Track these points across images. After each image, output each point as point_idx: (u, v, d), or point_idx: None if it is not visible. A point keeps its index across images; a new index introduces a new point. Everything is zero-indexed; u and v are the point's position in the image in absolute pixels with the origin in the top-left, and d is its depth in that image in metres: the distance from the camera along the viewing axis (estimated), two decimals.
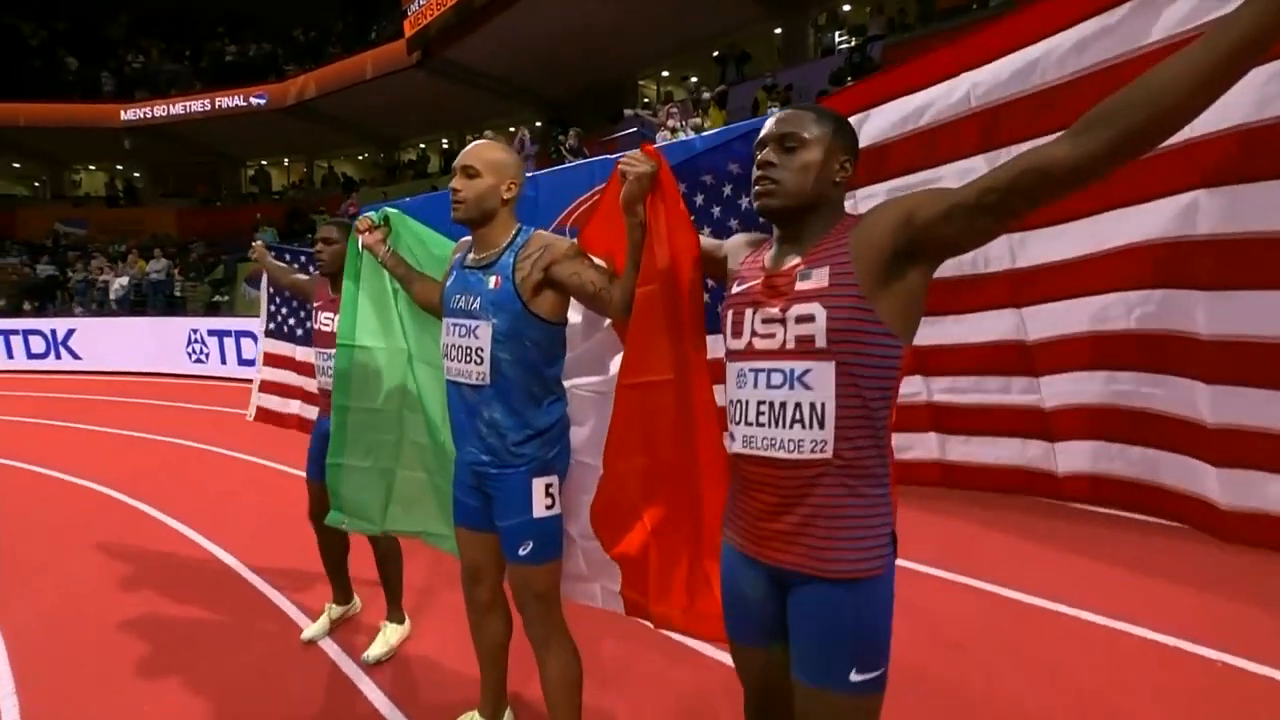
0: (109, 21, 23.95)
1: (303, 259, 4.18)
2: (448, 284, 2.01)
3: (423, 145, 22.03)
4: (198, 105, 19.45)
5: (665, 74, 17.43)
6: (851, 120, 1.51)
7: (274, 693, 2.59)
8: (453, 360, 1.95)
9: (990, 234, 1.12)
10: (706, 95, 11.65)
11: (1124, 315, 1.24)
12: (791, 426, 1.24)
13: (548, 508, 1.91)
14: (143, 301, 16.03)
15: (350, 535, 2.97)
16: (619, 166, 1.54)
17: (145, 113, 19.84)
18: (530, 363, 1.89)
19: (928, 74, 1.42)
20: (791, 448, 1.25)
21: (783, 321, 1.26)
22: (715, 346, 1.65)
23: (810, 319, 1.23)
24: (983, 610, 2.91)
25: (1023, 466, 1.45)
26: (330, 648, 2.89)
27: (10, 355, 13.23)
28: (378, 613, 3.09)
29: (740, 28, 14.55)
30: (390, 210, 2.41)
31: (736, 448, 1.31)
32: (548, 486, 1.92)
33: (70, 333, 13.10)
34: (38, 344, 13.18)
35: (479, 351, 1.89)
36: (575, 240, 1.88)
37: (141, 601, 3.39)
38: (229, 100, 19.06)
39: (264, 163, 24.78)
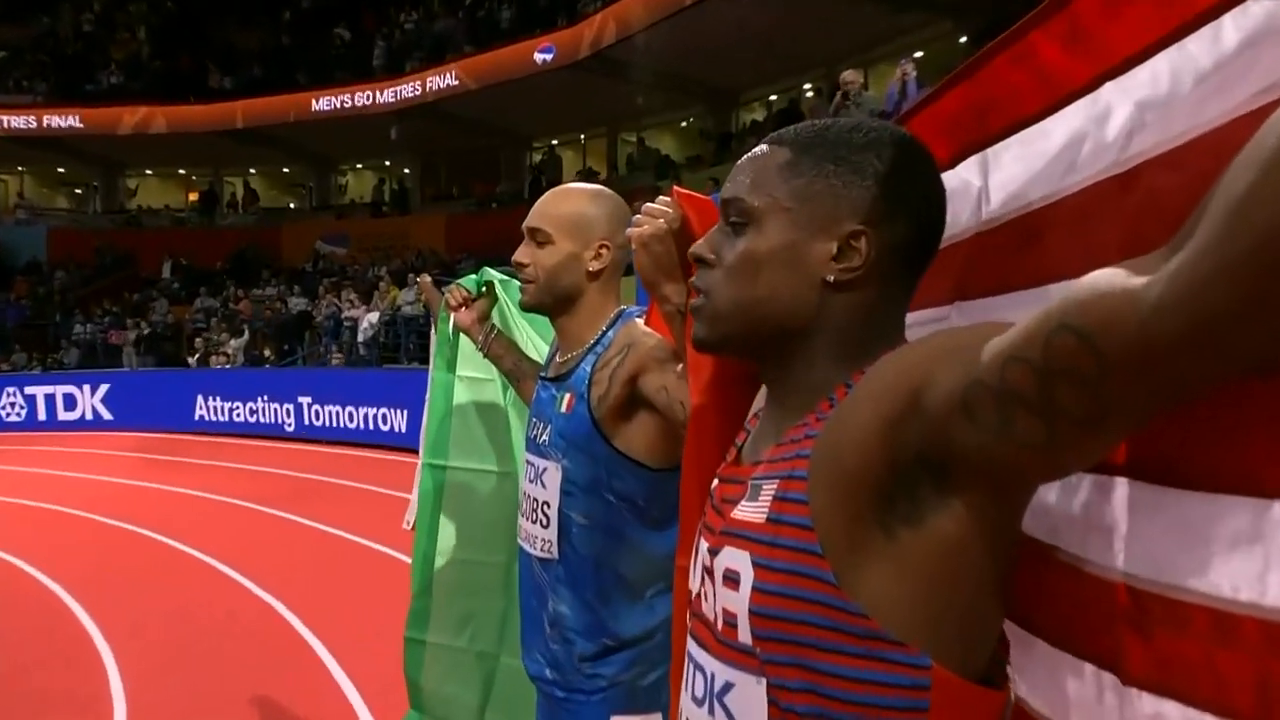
0: None
1: None
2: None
3: (773, 97, 23.18)
4: (463, 74, 23.07)
5: None
6: (966, 166, 1.33)
7: None
8: (524, 516, 2.16)
9: (1056, 457, 0.93)
10: None
11: None
12: None
13: None
14: (395, 344, 19.16)
15: None
16: (628, 231, 1.63)
17: (412, 89, 24.26)
18: (617, 530, 2.02)
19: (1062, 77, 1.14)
20: None
21: (711, 573, 1.17)
22: None
23: (735, 581, 1.10)
24: None
25: None
26: None
27: (246, 421, 17.13)
28: None
29: None
30: (494, 274, 2.67)
31: None
32: None
33: (301, 392, 16.50)
34: (269, 412, 17.00)
35: (545, 507, 2.07)
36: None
37: None
38: (506, 60, 22.27)
39: (554, 143, 28.49)
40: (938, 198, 1.17)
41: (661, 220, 1.57)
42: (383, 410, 15.11)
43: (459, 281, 2.68)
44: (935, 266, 1.28)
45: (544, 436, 2.10)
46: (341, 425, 15.81)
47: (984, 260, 1.30)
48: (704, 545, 1.22)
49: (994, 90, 1.27)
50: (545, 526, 2.06)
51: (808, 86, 22.02)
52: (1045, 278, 1.13)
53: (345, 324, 20.47)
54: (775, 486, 1.10)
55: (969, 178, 1.32)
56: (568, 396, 2.05)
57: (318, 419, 16.24)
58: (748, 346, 1.21)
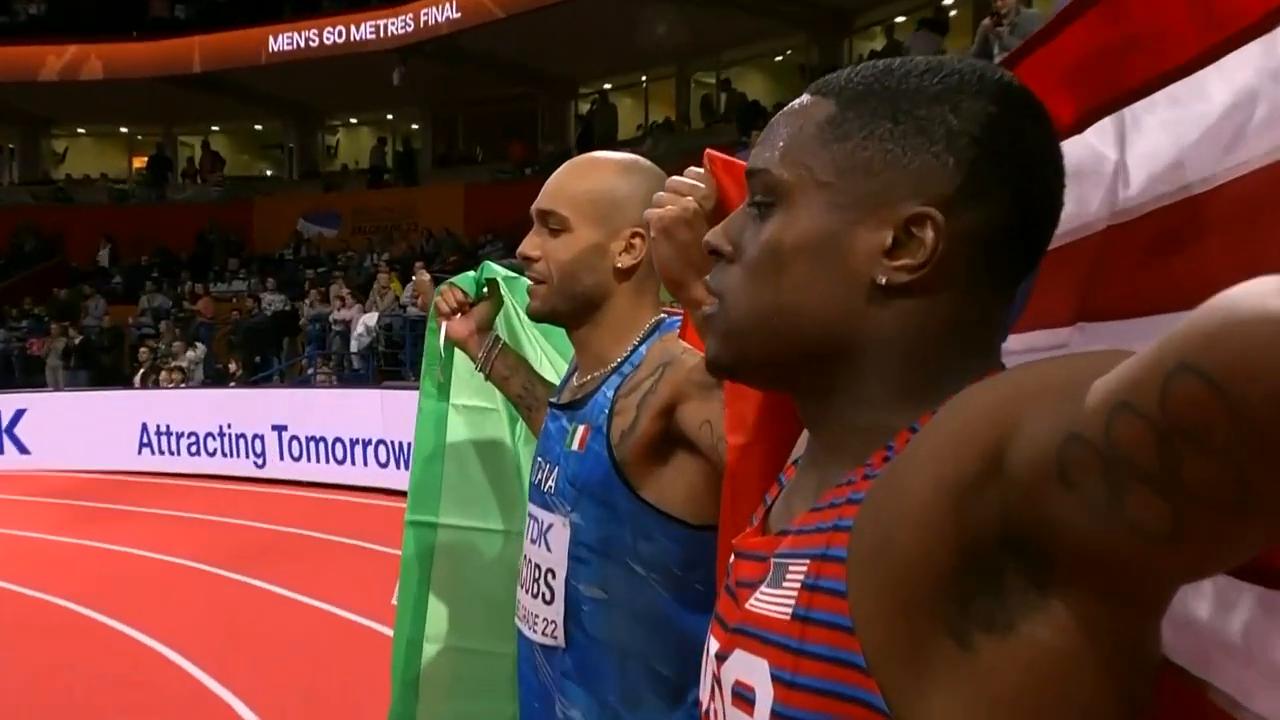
0: None
1: None
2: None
3: (899, 19, 23.25)
4: None
5: None
6: (1098, 131, 1.36)
7: None
8: (523, 588, 2.31)
9: (1190, 552, 0.89)
10: None
11: None
12: None
13: None
14: (394, 353, 19.29)
15: None
16: (646, 214, 1.68)
17: (413, 19, 24.61)
18: (645, 608, 2.12)
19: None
20: None
21: (720, 685, 1.21)
22: None
23: (748, 701, 1.13)
24: None
25: None
26: None
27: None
28: None
29: None
30: (498, 271, 2.81)
31: None
32: None
33: (276, 419, 16.75)
34: (234, 444, 17.16)
35: (549, 576, 2.18)
36: None
37: None
38: None
39: (606, 87, 28.83)
40: (1047, 169, 1.15)
41: (689, 199, 1.60)
42: (381, 441, 15.21)
43: (452, 280, 2.79)
44: (1052, 269, 1.33)
45: (550, 482, 2.20)
46: (328, 462, 15.94)
47: (1119, 264, 1.32)
48: (713, 645, 1.26)
49: (1132, 25, 1.28)
50: (548, 602, 2.16)
51: (948, 1, 21.90)
52: (1199, 296, 1.03)
53: (335, 328, 20.77)
54: (805, 569, 1.11)
55: (1101, 148, 1.34)
56: (581, 429, 2.14)
57: (297, 454, 16.40)
58: (772, 372, 1.24)
